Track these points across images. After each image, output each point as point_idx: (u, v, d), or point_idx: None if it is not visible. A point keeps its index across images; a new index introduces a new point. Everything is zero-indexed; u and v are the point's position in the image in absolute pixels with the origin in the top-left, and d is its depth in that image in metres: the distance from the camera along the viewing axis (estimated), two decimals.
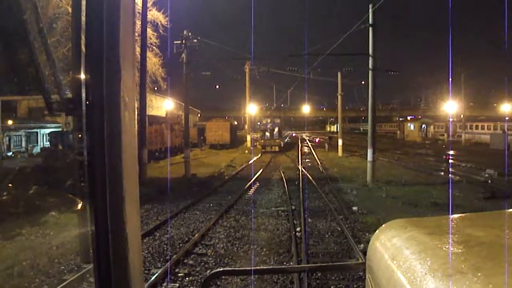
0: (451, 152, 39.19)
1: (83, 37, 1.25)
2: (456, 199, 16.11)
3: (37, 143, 36.56)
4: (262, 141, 45.56)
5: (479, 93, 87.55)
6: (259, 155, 40.10)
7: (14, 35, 1.37)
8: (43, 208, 12.98)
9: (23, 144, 35.45)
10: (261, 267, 8.56)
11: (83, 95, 1.24)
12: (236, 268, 8.39)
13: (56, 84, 1.30)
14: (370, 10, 20.87)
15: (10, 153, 32.46)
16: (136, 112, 1.32)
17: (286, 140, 69.49)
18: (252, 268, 4.90)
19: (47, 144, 32.82)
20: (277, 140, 44.97)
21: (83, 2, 1.24)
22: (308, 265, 8.79)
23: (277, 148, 43.74)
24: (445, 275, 1.11)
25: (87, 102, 1.23)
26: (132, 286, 1.26)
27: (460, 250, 1.27)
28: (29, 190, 13.87)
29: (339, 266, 7.06)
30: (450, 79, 69.74)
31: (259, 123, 50.92)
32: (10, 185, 13.98)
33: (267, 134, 45.33)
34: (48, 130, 34.92)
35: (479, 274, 1.08)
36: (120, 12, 1.21)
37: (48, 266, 8.86)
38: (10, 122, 34.02)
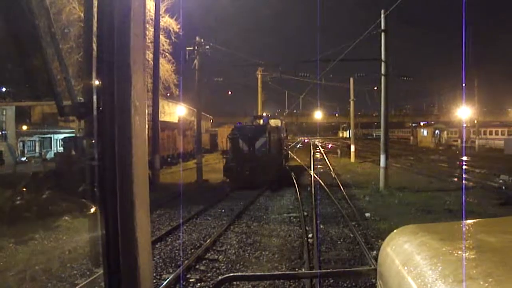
0: (465, 158, 38.81)
1: (94, 42, 1.27)
2: (470, 205, 15.94)
3: (51, 148, 36.95)
4: (226, 163, 23.36)
5: (493, 98, 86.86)
6: None
7: (27, 41, 1.39)
8: (56, 212, 13.07)
9: (37, 149, 35.85)
10: (272, 272, 8.53)
11: (94, 99, 1.25)
12: (247, 274, 8.35)
13: (68, 88, 1.31)
14: (382, 16, 20.80)
15: (24, 158, 32.80)
16: (146, 117, 1.33)
17: (298, 145, 68.77)
18: (264, 273, 4.89)
19: (60, 149, 33.11)
20: (258, 167, 21.68)
21: (95, 9, 1.26)
22: (319, 270, 8.73)
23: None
24: (456, 280, 1.10)
25: (98, 107, 1.25)
26: None
27: (471, 256, 1.26)
28: (43, 194, 13.98)
29: (350, 272, 7.05)
30: (464, 85, 69.12)
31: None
32: (24, 189, 14.11)
33: (241, 147, 22.83)
34: (61, 136, 35.23)
35: (490, 280, 1.07)
36: (131, 17, 1.23)
37: (61, 270, 8.91)
38: (24, 127, 34.41)
